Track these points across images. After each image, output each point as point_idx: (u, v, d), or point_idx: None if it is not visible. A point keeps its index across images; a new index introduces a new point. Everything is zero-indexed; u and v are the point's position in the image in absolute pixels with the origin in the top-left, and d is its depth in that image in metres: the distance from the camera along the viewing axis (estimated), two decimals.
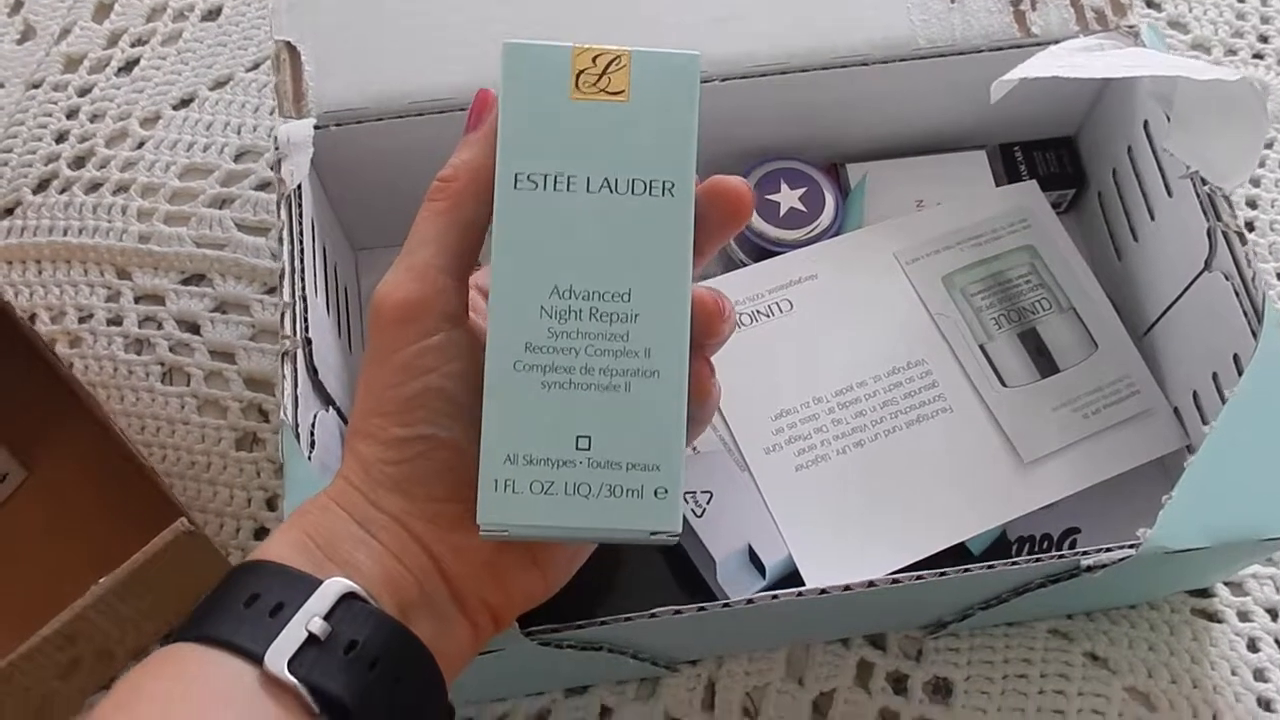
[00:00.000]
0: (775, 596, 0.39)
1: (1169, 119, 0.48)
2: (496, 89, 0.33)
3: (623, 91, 0.32)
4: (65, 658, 0.46)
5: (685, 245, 0.32)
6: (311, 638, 0.30)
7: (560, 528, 0.31)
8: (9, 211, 0.60)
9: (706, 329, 0.32)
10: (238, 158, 0.61)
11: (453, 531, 0.32)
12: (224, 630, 0.30)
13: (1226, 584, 0.52)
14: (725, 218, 0.33)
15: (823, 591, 0.40)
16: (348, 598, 0.31)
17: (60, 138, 0.62)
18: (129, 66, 0.63)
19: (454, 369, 0.32)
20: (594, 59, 0.32)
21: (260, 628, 0.30)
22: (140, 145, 0.61)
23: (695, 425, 0.34)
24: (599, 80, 0.32)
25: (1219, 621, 0.52)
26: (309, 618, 0.30)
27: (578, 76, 0.32)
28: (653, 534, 0.31)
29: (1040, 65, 0.47)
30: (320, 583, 0.30)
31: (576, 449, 0.31)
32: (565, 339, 0.31)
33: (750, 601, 0.39)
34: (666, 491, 0.31)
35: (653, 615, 0.39)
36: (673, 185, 0.31)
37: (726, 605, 0.39)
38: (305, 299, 0.44)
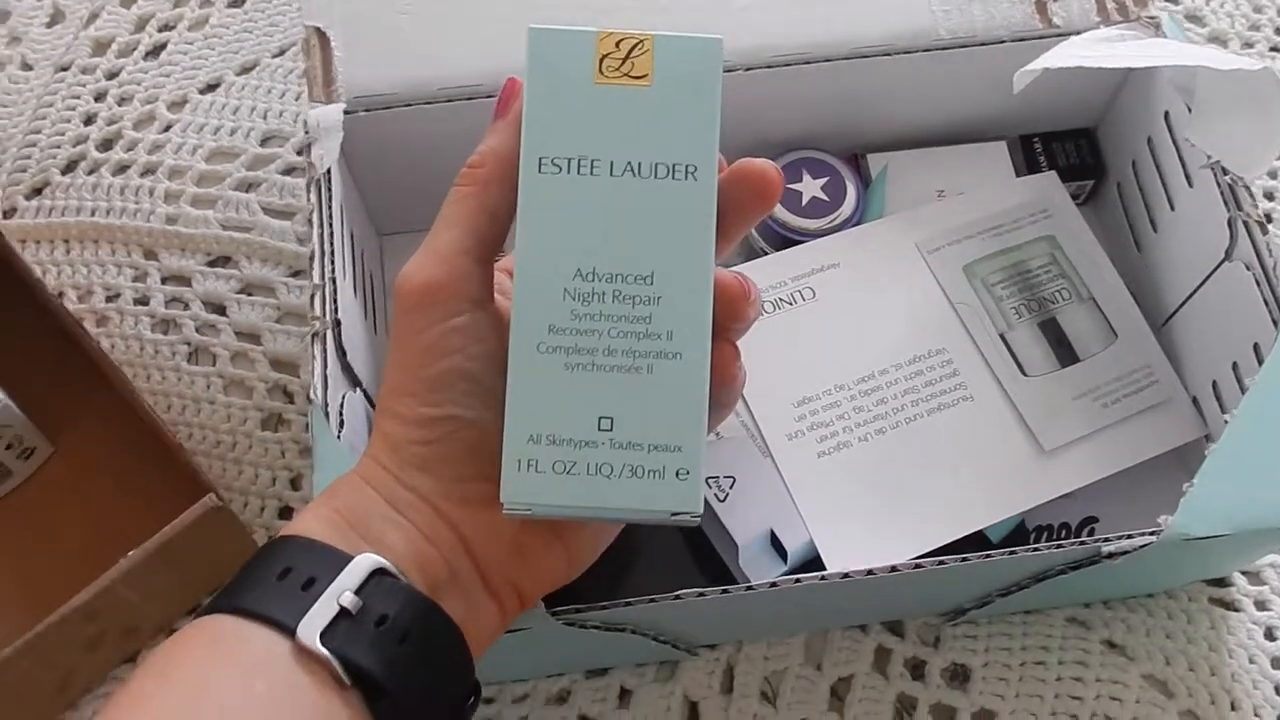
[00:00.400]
0: (798, 580, 0.40)
1: (1190, 109, 0.48)
2: (522, 75, 0.33)
3: (646, 76, 0.32)
4: (91, 631, 0.47)
5: (708, 228, 0.32)
6: (343, 611, 0.30)
7: (582, 507, 0.31)
8: (38, 192, 0.61)
9: (730, 312, 0.33)
10: (264, 142, 0.61)
11: (480, 511, 0.33)
12: (258, 602, 0.30)
13: (1244, 573, 0.53)
14: (753, 200, 0.34)
15: (845, 575, 0.40)
16: (378, 573, 0.31)
17: (88, 120, 0.62)
18: (156, 51, 0.64)
19: (479, 350, 0.33)
20: (618, 43, 0.32)
21: (293, 600, 0.30)
22: (167, 128, 0.62)
23: (720, 410, 0.34)
24: (622, 65, 0.32)
25: (1236, 610, 0.52)
26: (340, 591, 0.30)
27: (601, 61, 0.32)
28: (674, 515, 0.31)
29: (1062, 56, 0.47)
30: (351, 558, 0.31)
31: (599, 430, 0.31)
32: (588, 321, 0.31)
33: (774, 584, 0.40)
34: (688, 473, 0.31)
35: (677, 597, 0.39)
36: (695, 169, 0.32)
37: (749, 588, 0.40)
38: (335, 281, 0.44)
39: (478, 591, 0.33)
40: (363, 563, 0.31)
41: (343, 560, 0.31)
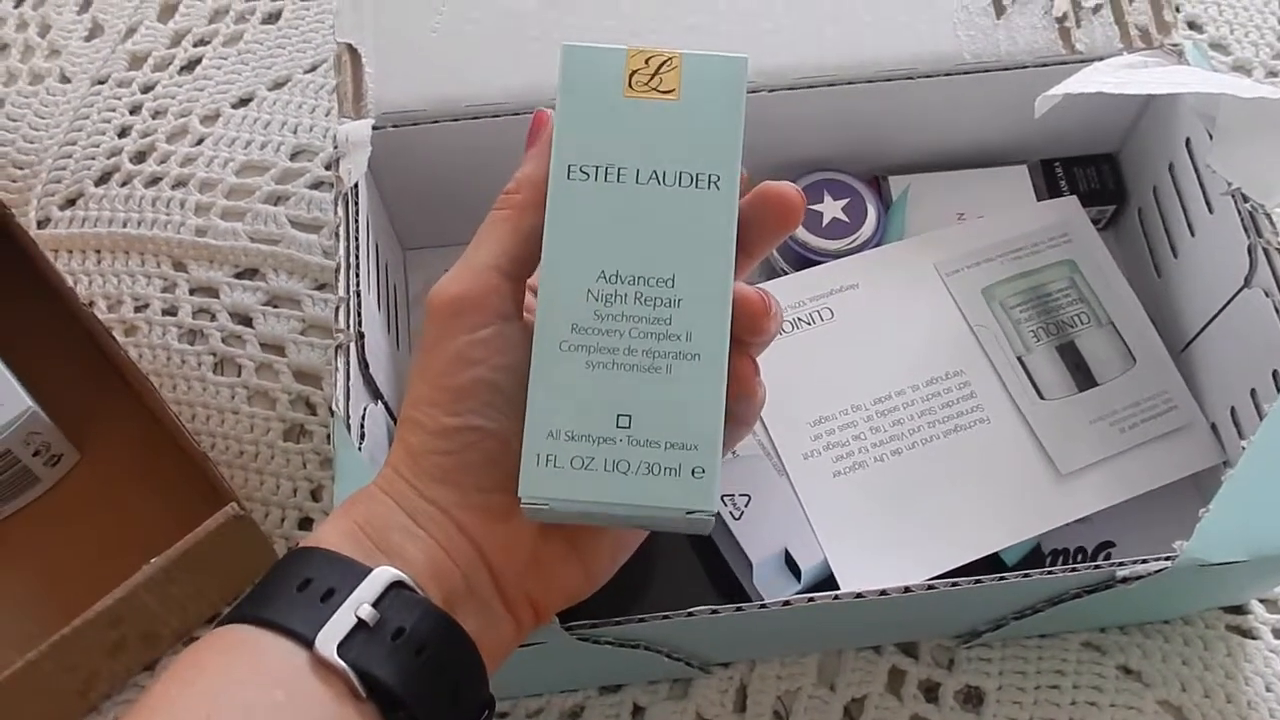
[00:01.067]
0: (811, 599, 0.40)
1: (1211, 136, 0.48)
2: (552, 93, 0.34)
3: (673, 90, 0.33)
4: (114, 636, 0.47)
5: (729, 235, 0.33)
6: (360, 623, 0.31)
7: (599, 503, 0.32)
8: (72, 202, 0.62)
9: (750, 325, 0.33)
10: (293, 156, 0.62)
11: (499, 523, 0.33)
12: (277, 613, 0.31)
13: (1262, 601, 0.52)
14: (776, 222, 0.34)
15: (859, 595, 0.40)
16: (396, 586, 0.32)
17: (123, 132, 0.63)
18: (191, 65, 0.65)
19: (504, 362, 0.33)
20: (647, 60, 0.33)
21: (312, 612, 0.31)
22: (200, 142, 0.63)
23: (739, 425, 0.34)
24: (651, 80, 0.33)
25: (1254, 638, 0.52)
26: (359, 604, 0.31)
27: (631, 76, 0.33)
28: (689, 513, 0.32)
29: (1084, 81, 0.48)
30: (370, 570, 0.31)
31: (617, 427, 0.32)
32: (610, 321, 0.32)
33: (787, 603, 0.40)
34: (704, 471, 0.32)
35: (690, 614, 0.40)
36: (718, 178, 0.33)
37: (763, 606, 0.40)
38: (359, 294, 0.45)
39: (494, 605, 0.34)
40: (381, 575, 0.31)
41: (361, 573, 0.31)
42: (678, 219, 0.32)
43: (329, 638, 0.30)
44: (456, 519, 0.33)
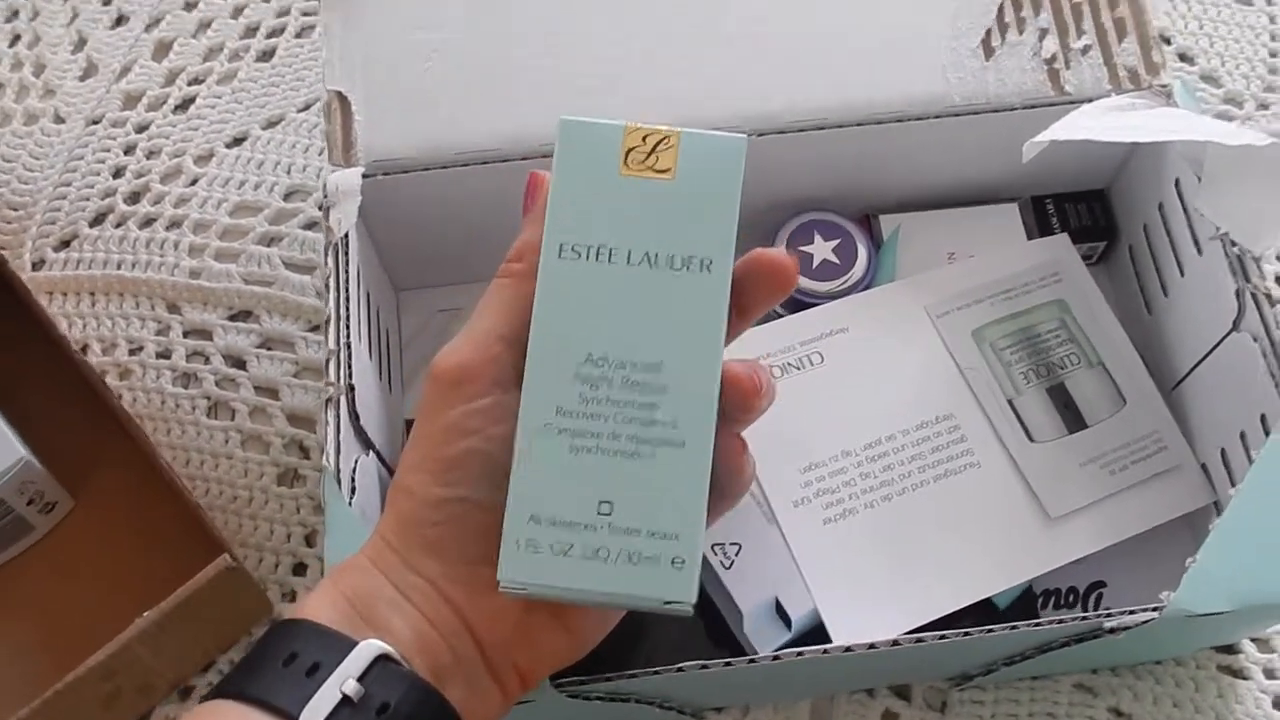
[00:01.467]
0: (801, 653, 0.40)
1: (1199, 179, 0.48)
2: (541, 140, 0.34)
3: (669, 170, 0.33)
4: (107, 689, 0.47)
5: (719, 321, 0.32)
6: (345, 699, 0.31)
7: (577, 590, 0.32)
8: (66, 244, 0.62)
9: (740, 404, 0.33)
10: (287, 196, 0.62)
11: (485, 595, 0.33)
12: (263, 689, 0.31)
13: (1253, 640, 0.52)
14: (768, 288, 0.35)
15: (848, 649, 0.40)
16: (381, 660, 0.32)
17: (117, 173, 0.64)
18: (185, 105, 0.65)
19: (499, 432, 0.33)
20: (644, 138, 0.33)
21: (297, 688, 0.31)
22: (194, 182, 0.63)
23: (726, 500, 0.34)
24: (647, 158, 0.33)
25: (1245, 678, 0.52)
26: (344, 679, 0.31)
27: (627, 154, 0.33)
28: (667, 603, 0.32)
29: (1072, 126, 0.48)
30: (355, 644, 0.32)
31: (599, 513, 0.32)
32: (595, 405, 0.32)
33: (776, 657, 0.40)
34: (683, 562, 0.31)
35: (680, 669, 0.40)
36: (711, 262, 0.33)
37: (752, 661, 0.40)
38: (349, 346, 0.45)
39: (480, 675, 0.34)
40: (366, 650, 0.32)
41: (347, 646, 0.32)
42: (668, 303, 0.32)
43: (313, 714, 0.30)
44: (443, 590, 0.33)
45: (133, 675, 0.48)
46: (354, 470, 0.43)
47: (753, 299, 0.34)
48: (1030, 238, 0.56)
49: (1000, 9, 0.53)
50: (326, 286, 0.46)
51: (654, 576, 0.31)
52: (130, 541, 0.54)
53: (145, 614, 0.46)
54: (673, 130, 0.33)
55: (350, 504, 0.42)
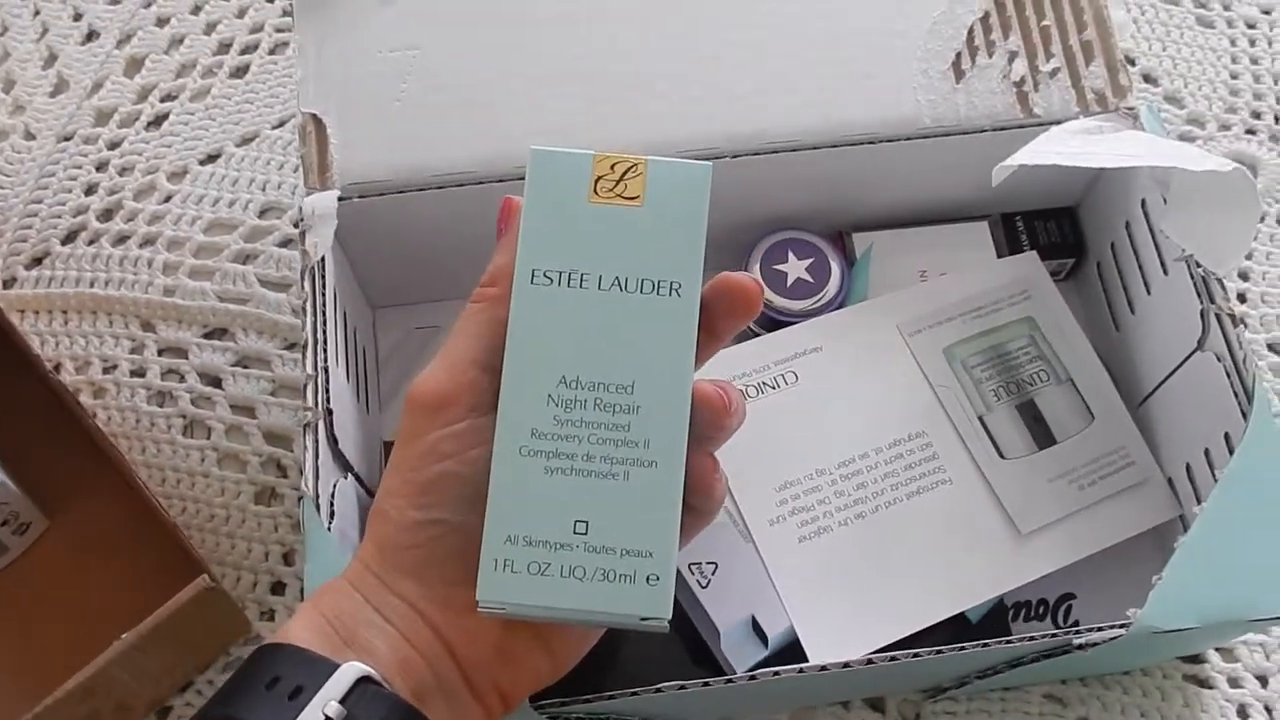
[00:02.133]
0: (777, 673, 0.41)
1: (1165, 202, 0.49)
2: (516, 164, 0.35)
3: (638, 197, 0.34)
4: (84, 710, 0.47)
5: (688, 342, 0.33)
6: None
7: (554, 608, 0.32)
8: (38, 261, 0.62)
9: (711, 422, 0.34)
10: (262, 214, 0.62)
11: (464, 616, 0.34)
12: (246, 713, 0.32)
13: (1218, 650, 0.54)
14: (735, 311, 0.36)
15: (823, 668, 0.41)
16: (363, 681, 0.32)
17: (89, 190, 0.63)
18: (158, 121, 0.65)
19: (474, 455, 0.34)
20: (613, 166, 0.34)
21: (280, 711, 0.31)
22: (167, 199, 0.63)
23: (700, 517, 0.35)
24: (616, 186, 0.34)
25: (1210, 688, 0.53)
26: (326, 701, 0.31)
27: (596, 182, 0.34)
28: (643, 619, 0.32)
29: (1040, 151, 0.49)
30: (337, 667, 0.32)
31: (574, 533, 0.33)
32: (569, 427, 0.33)
33: (753, 677, 0.41)
34: (658, 578, 0.32)
35: (658, 690, 0.40)
36: (679, 286, 0.34)
37: (729, 681, 0.41)
38: (327, 370, 0.45)
39: (461, 696, 0.34)
40: (348, 672, 0.32)
41: (329, 669, 0.32)
42: (639, 326, 0.33)
43: None
44: (422, 612, 0.34)
45: (111, 696, 0.48)
46: (333, 493, 0.44)
47: (721, 321, 0.35)
48: (1000, 254, 0.57)
49: (970, 32, 0.53)
50: (303, 310, 0.46)
51: (630, 594, 0.32)
52: (107, 562, 0.54)
53: (124, 635, 0.46)
54: (640, 158, 0.34)
55: (329, 528, 0.42)
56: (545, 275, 0.34)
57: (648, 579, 0.32)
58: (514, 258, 0.35)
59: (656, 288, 0.33)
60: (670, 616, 0.32)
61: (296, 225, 0.61)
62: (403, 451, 0.35)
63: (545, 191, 0.34)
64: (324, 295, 0.47)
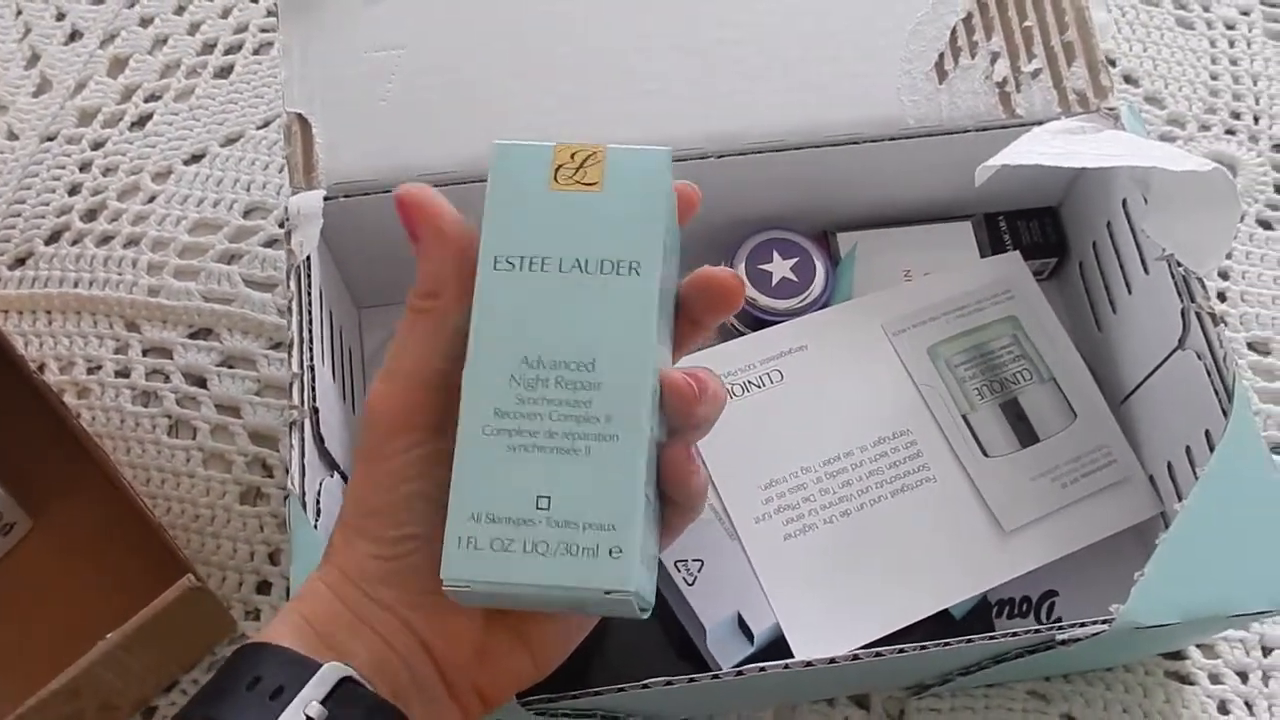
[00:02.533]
0: (763, 668, 0.41)
1: (1146, 202, 0.50)
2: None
3: (596, 183, 0.34)
4: (69, 710, 0.47)
5: (648, 319, 0.33)
6: None
7: (519, 584, 0.32)
8: (21, 262, 0.62)
9: (681, 412, 0.34)
10: (247, 214, 0.62)
11: (443, 618, 0.34)
12: (228, 713, 0.32)
13: (1199, 646, 0.54)
14: (716, 304, 0.36)
15: (808, 664, 0.41)
16: (345, 682, 0.32)
17: (73, 190, 0.63)
18: (142, 121, 0.65)
19: (441, 474, 0.33)
20: (572, 155, 0.35)
21: (262, 711, 0.31)
22: (152, 199, 0.63)
23: (681, 513, 0.35)
24: (576, 173, 0.35)
25: (1191, 684, 0.53)
26: (308, 701, 0.31)
27: (557, 170, 0.35)
28: (607, 593, 0.32)
29: (1022, 151, 0.49)
30: (319, 667, 0.32)
31: (536, 509, 0.32)
32: (531, 405, 0.33)
33: (740, 673, 0.41)
34: (621, 551, 0.32)
35: (645, 686, 0.40)
36: (638, 265, 0.34)
37: (716, 676, 0.41)
38: (313, 369, 0.45)
39: (439, 696, 0.34)
40: (329, 673, 0.32)
41: (310, 669, 0.32)
42: (599, 305, 0.33)
43: None
44: (401, 615, 0.34)
45: (96, 696, 0.47)
46: (319, 493, 0.44)
47: (702, 313, 0.36)
48: (984, 254, 0.57)
49: (953, 33, 0.54)
50: (289, 309, 0.46)
51: (593, 567, 0.32)
52: (91, 562, 0.54)
53: (109, 635, 0.46)
54: (599, 146, 0.35)
55: (315, 527, 0.42)
56: (507, 261, 0.34)
57: (610, 552, 0.32)
58: (448, 265, 0.35)
59: (616, 267, 0.34)
60: (635, 589, 0.32)
61: (282, 225, 0.61)
62: (367, 468, 0.35)
63: (507, 183, 0.35)
64: (310, 294, 0.47)
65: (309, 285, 0.47)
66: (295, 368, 0.45)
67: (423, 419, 0.34)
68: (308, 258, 0.48)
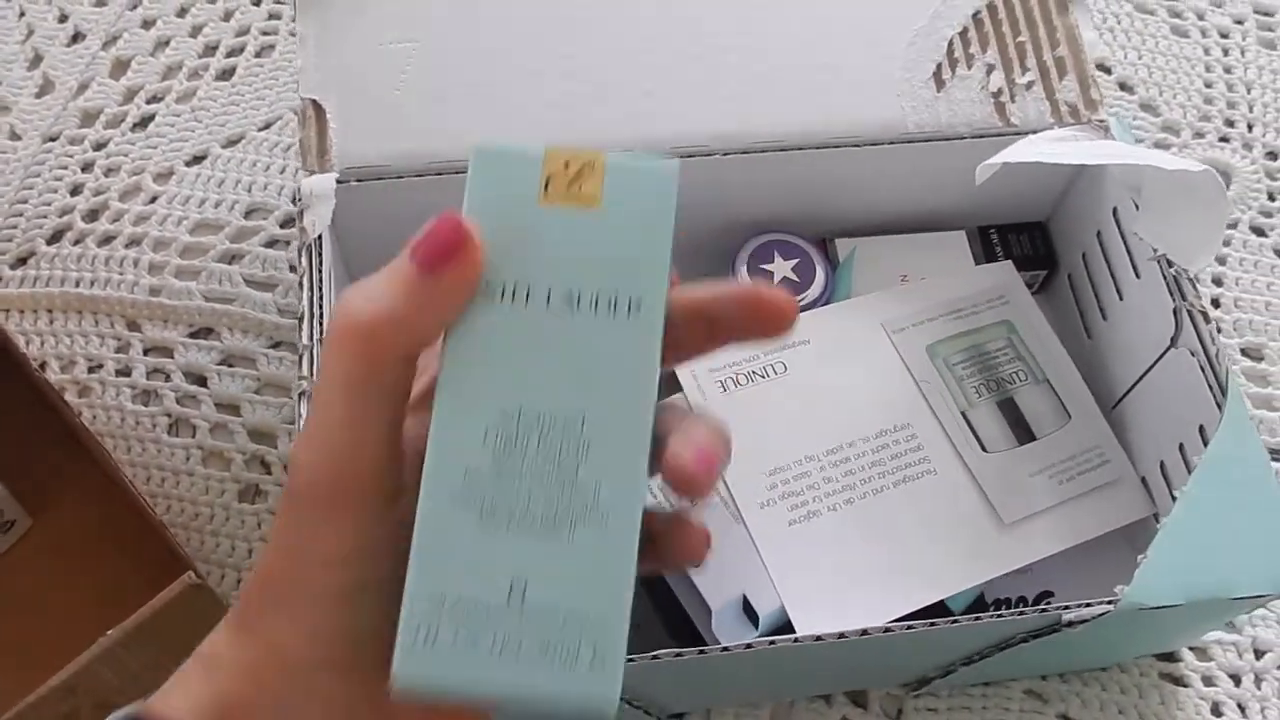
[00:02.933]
0: (772, 642, 0.41)
1: (1137, 205, 0.51)
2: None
3: (595, 199, 0.29)
4: (66, 708, 0.46)
5: (649, 368, 0.28)
6: None
7: (483, 685, 0.27)
8: (23, 261, 0.62)
9: (685, 493, 0.28)
10: (248, 215, 0.63)
11: (392, 713, 0.29)
12: None
13: (1192, 649, 0.55)
14: (761, 328, 0.29)
15: (817, 638, 0.41)
16: None
17: (75, 190, 0.63)
18: (144, 123, 0.65)
19: (392, 565, 0.28)
20: (566, 163, 0.29)
21: None
22: (153, 200, 0.63)
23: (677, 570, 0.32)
24: (570, 185, 0.29)
25: (1184, 685, 0.54)
26: None
27: (548, 181, 0.29)
28: (585, 705, 0.27)
29: (1022, 151, 0.51)
30: None
31: (510, 595, 0.27)
32: (509, 469, 0.28)
33: (749, 646, 0.41)
34: (604, 662, 0.27)
35: (654, 657, 0.40)
36: (640, 302, 0.28)
37: (725, 649, 0.41)
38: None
39: None
40: None
41: None
42: (592, 349, 0.28)
43: None
44: (344, 708, 0.29)
45: (93, 693, 0.47)
46: None
47: (740, 333, 0.30)
48: (977, 264, 0.58)
49: (950, 45, 0.55)
50: (300, 285, 0.47)
51: (570, 673, 0.27)
52: (91, 560, 0.53)
53: (108, 633, 0.45)
54: (598, 154, 0.29)
55: None
56: (485, 289, 0.28)
57: (590, 661, 0.27)
58: (401, 303, 0.28)
59: (613, 304, 0.28)
60: (615, 701, 0.27)
61: (284, 225, 0.62)
62: (299, 545, 0.28)
63: (490, 193, 0.29)
64: (321, 272, 0.47)
65: (320, 261, 0.48)
66: (305, 340, 0.45)
67: (373, 486, 0.27)
68: (319, 236, 0.48)
